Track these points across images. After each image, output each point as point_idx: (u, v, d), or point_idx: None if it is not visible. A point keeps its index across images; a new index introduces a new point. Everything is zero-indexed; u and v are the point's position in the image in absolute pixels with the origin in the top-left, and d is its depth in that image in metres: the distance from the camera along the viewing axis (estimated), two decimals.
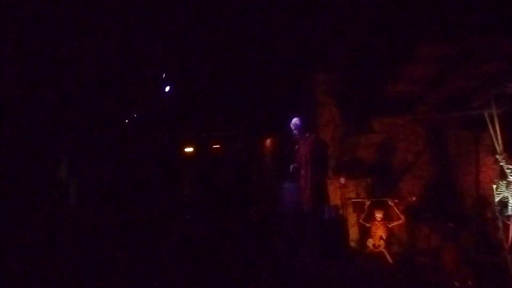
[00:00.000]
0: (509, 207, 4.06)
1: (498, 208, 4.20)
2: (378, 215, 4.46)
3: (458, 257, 4.37)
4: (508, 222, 4.15)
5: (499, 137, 4.15)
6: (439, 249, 4.56)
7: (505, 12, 2.59)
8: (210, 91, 5.76)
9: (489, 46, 2.97)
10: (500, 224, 4.17)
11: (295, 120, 4.29)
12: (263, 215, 5.55)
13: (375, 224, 4.51)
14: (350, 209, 4.79)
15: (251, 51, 4.88)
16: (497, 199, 4.10)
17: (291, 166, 4.24)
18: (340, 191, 4.90)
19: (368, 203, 4.49)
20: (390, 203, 4.39)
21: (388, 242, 4.49)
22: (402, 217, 4.42)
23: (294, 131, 4.30)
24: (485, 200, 6.15)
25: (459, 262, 4.31)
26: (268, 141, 7.20)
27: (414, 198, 4.41)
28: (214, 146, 9.06)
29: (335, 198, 4.79)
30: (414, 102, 4.49)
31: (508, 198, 4.01)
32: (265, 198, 6.06)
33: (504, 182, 4.02)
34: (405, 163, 5.73)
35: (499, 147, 4.16)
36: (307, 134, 4.26)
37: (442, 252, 4.50)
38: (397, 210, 4.40)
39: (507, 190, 3.96)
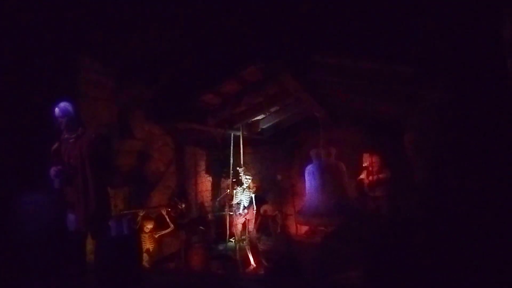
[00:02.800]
0: (241, 207, 5.12)
1: (235, 208, 5.18)
2: (148, 226, 4.20)
3: (205, 254, 4.94)
4: (244, 218, 5.20)
5: (241, 154, 5.23)
6: (189, 250, 4.93)
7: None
8: None
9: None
10: (237, 220, 5.15)
11: (64, 106, 3.20)
12: None
13: (144, 236, 4.20)
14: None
15: None
16: (234, 201, 5.08)
17: (53, 170, 3.11)
18: None
19: (141, 214, 4.11)
20: (162, 212, 4.27)
21: (154, 253, 4.31)
22: (172, 225, 4.42)
23: (61, 121, 3.20)
24: (202, 204, 7.38)
25: (206, 258, 4.86)
26: None
27: (184, 206, 4.55)
28: None
29: None
30: (205, 114, 4.75)
31: (242, 201, 5.09)
32: None
33: (241, 188, 5.08)
34: (158, 173, 5.78)
35: (240, 162, 5.22)
36: (81, 129, 3.29)
37: (190, 252, 4.88)
38: (168, 219, 4.34)
39: (242, 194, 5.02)
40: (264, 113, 5.35)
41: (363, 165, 5.80)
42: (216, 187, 8.33)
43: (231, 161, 5.40)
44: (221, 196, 7.52)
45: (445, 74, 2.78)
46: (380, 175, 5.74)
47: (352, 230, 4.45)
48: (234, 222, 5.79)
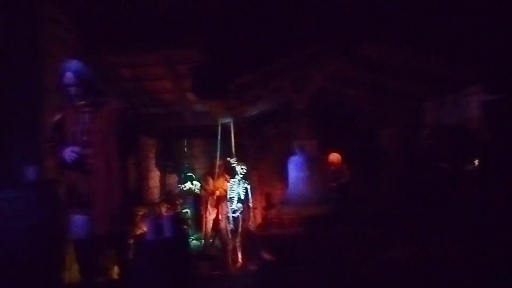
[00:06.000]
0: (235, 201, 4.62)
1: (229, 203, 4.65)
2: (144, 228, 3.38)
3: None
4: (234, 215, 4.69)
5: (232, 143, 4.74)
6: None
7: None
8: None
9: None
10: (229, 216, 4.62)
11: (79, 68, 2.30)
12: None
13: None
14: None
15: None
16: (230, 195, 4.56)
17: (71, 151, 2.21)
18: None
19: (141, 213, 3.26)
20: (163, 209, 3.49)
21: None
22: None
23: (72, 89, 2.31)
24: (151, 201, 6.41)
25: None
26: None
27: (181, 201, 3.82)
28: None
29: None
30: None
31: (239, 194, 4.60)
32: None
33: (236, 180, 4.59)
34: None
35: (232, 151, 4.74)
36: (100, 97, 2.42)
37: None
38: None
39: (239, 187, 4.56)
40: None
41: (330, 168, 5.79)
42: (163, 183, 7.32)
43: (218, 150, 4.78)
44: (175, 192, 6.64)
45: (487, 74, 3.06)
46: (342, 180, 5.80)
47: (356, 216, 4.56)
48: (207, 219, 5.21)
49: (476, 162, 4.19)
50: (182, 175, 6.92)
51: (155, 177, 6.97)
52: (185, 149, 7.33)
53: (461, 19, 3.12)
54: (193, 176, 6.98)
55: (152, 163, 6.85)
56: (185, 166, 7.16)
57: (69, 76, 2.18)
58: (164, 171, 7.31)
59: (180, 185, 6.71)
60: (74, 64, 2.23)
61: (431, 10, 3.17)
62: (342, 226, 4.62)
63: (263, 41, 3.28)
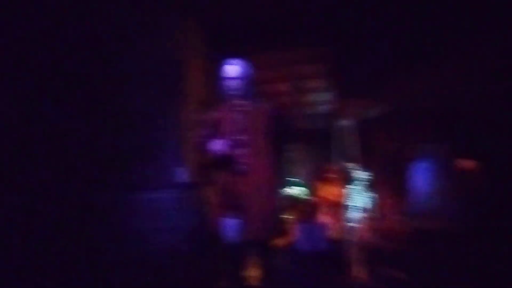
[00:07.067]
0: (356, 211, 4.11)
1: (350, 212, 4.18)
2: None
3: None
4: (354, 225, 4.21)
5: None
6: None
7: None
8: None
9: None
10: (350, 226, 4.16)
11: (244, 64, 2.25)
12: None
13: None
14: None
15: None
16: (351, 204, 4.10)
17: (222, 143, 2.09)
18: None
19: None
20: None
21: None
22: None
23: (232, 83, 2.23)
24: None
25: None
26: None
27: (309, 209, 3.52)
28: None
29: None
30: None
31: (362, 203, 4.10)
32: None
33: (358, 187, 4.10)
34: None
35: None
36: (257, 100, 2.30)
37: None
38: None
39: (360, 195, 4.06)
40: None
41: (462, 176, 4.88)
42: None
43: (344, 155, 4.40)
44: (303, 199, 6.43)
45: None
46: (475, 190, 4.84)
47: None
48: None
49: None
50: (285, 180, 6.71)
51: None
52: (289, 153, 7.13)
53: None
54: (296, 181, 6.74)
55: None
56: (288, 171, 6.95)
57: (232, 68, 2.19)
58: None
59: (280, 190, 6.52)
60: (237, 59, 2.24)
61: None
62: (481, 243, 3.77)
63: (403, 37, 2.85)
